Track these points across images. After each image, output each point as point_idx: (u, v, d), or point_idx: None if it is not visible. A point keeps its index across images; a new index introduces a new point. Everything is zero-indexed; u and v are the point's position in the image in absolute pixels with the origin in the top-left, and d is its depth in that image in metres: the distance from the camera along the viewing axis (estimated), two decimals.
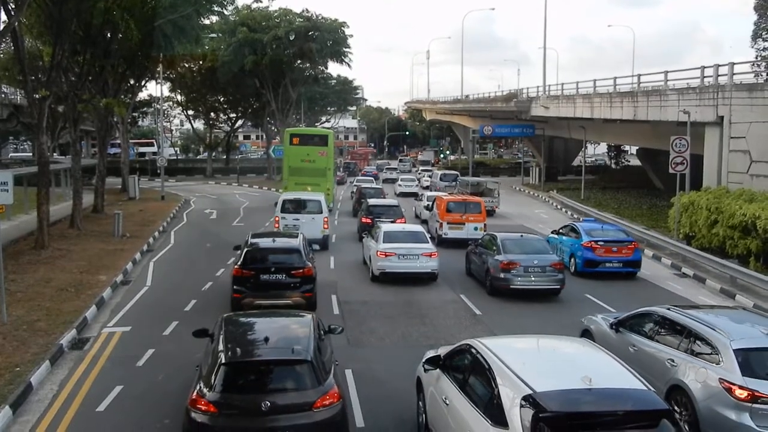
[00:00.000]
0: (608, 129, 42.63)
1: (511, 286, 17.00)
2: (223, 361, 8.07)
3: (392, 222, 24.08)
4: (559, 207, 42.14)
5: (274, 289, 14.42)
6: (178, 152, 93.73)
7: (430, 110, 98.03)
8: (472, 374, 7.41)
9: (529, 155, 66.95)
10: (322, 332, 9.32)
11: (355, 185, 44.03)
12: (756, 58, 42.33)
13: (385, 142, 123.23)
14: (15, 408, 9.75)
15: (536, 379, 6.45)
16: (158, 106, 58.04)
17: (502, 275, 17.07)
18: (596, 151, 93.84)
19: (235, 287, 14.60)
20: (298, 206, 24.63)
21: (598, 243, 20.12)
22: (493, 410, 6.52)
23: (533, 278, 17.08)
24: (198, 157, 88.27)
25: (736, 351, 8.55)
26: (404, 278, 18.51)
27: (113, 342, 13.07)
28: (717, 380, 8.46)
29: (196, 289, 17.59)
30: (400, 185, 48.72)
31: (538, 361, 7.43)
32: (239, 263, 14.90)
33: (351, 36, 59.03)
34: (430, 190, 40.19)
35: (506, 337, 9.84)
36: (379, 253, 18.53)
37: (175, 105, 74.98)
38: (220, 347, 8.39)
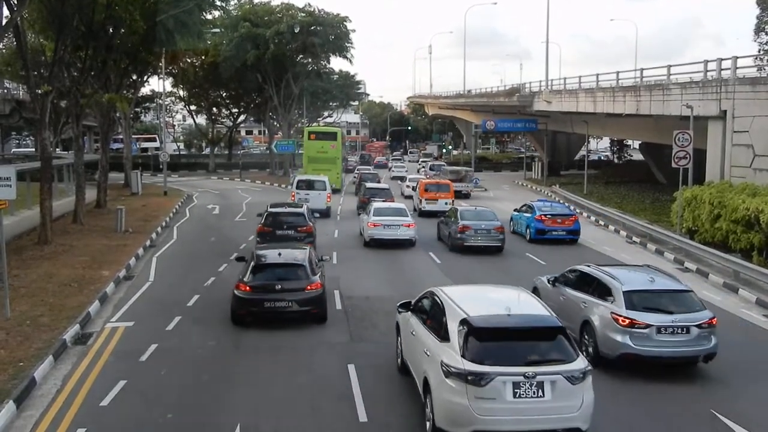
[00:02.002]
0: (611, 123, 42.54)
1: (465, 244, 22.70)
2: (254, 264, 14.22)
3: (385, 201, 28.92)
4: (561, 202, 41.99)
5: (286, 241, 19.40)
6: (180, 148, 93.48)
7: (432, 105, 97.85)
8: (431, 311, 10.00)
9: (532, 150, 66.97)
10: (314, 256, 15.32)
11: (357, 172, 53.62)
12: (759, 52, 42.13)
13: (388, 137, 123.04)
14: (19, 403, 9.78)
15: (472, 309, 8.99)
16: (160, 101, 57.99)
17: (459, 236, 22.81)
18: (599, 145, 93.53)
19: (258, 240, 20.86)
20: (308, 185, 32.60)
21: (546, 216, 25.52)
22: (442, 332, 9.08)
23: (480, 238, 22.76)
24: (202, 153, 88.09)
25: (624, 293, 11.65)
26: (390, 244, 23.39)
27: (116, 337, 13.09)
28: (610, 314, 11.58)
29: (198, 284, 17.60)
30: (392, 171, 60.01)
31: (477, 300, 9.96)
32: (262, 223, 21.71)
33: (353, 31, 58.94)
34: (425, 177, 46.96)
35: (459, 286, 12.77)
36: (369, 224, 23.68)
37: (177, 100, 74.93)
38: (253, 258, 14.54)
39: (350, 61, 60.31)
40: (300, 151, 65.27)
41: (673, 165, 25.11)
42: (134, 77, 46.28)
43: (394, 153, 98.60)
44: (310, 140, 46.08)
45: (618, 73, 35.62)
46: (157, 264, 20.63)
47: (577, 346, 9.06)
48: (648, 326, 11.24)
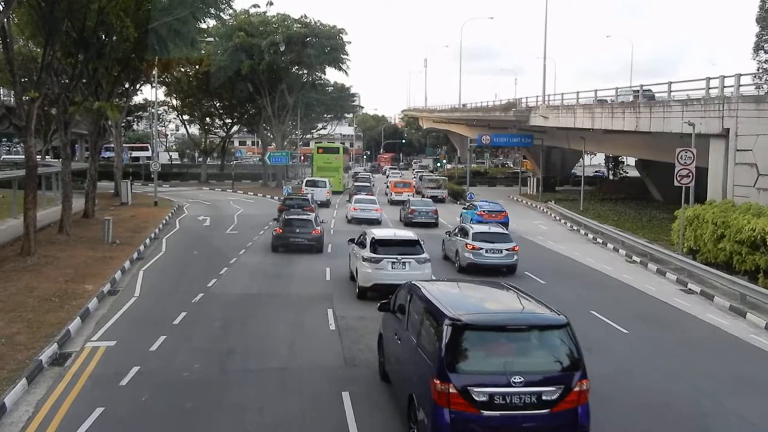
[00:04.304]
0: (608, 140, 42.13)
1: (413, 220, 34.67)
2: (284, 219, 26.01)
3: (366, 194, 42.47)
4: (557, 218, 41.52)
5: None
6: (172, 157, 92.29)
7: (427, 119, 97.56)
8: (362, 238, 18.84)
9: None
10: (318, 218, 28.69)
11: (356, 176, 68.36)
12: (758, 70, 41.94)
13: (381, 150, 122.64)
14: None
15: (379, 235, 18.51)
16: (153, 110, 57.29)
17: (409, 215, 35.35)
18: (592, 161, 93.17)
19: (278, 214, 30.94)
20: (314, 183, 46.53)
21: (485, 212, 34.03)
22: (364, 245, 18.12)
23: (422, 217, 35.12)
24: (195, 162, 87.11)
25: (473, 233, 22.09)
26: (364, 221, 34.20)
27: (96, 358, 12.30)
28: (465, 245, 21.79)
29: (186, 300, 16.85)
30: (389, 176, 71.04)
31: (384, 233, 19.46)
32: (282, 203, 35.11)
33: (349, 43, 58.56)
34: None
35: (379, 229, 24.01)
36: (351, 208, 36.76)
37: (170, 109, 74.15)
38: (282, 217, 26.71)
39: (346, 72, 60.02)
40: (292, 163, 66.14)
41: (676, 183, 24.56)
42: (126, 85, 45.61)
43: (399, 164, 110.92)
44: (318, 153, 59.43)
45: (617, 89, 35.28)
46: (143, 278, 19.85)
47: (424, 249, 18.31)
48: (481, 249, 21.65)
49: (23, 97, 22.29)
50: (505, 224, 32.19)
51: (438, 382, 7.97)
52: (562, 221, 40.15)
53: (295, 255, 24.77)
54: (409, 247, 18.02)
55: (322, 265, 22.68)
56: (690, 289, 20.91)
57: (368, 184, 52.05)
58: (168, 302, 16.75)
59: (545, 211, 45.85)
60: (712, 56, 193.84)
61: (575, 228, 36.84)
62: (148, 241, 26.82)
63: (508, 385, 7.95)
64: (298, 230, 25.02)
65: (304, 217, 26.56)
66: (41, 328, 13.55)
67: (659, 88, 31.42)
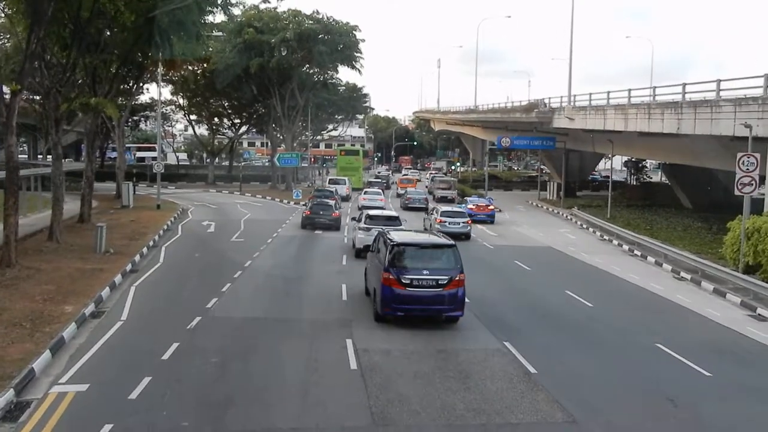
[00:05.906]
0: (639, 143, 39.41)
1: (409, 205, 45.31)
2: (312, 203, 35.38)
3: (375, 188, 50.99)
4: (584, 226, 38.93)
5: (324, 203, 35.49)
6: (179, 158, 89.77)
7: (439, 120, 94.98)
8: (360, 216, 27.19)
9: (540, 168, 64.49)
10: (338, 203, 39.40)
11: (377, 175, 76.99)
12: None
13: (392, 152, 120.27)
14: None
15: (370, 213, 27.47)
16: (157, 109, 54.99)
17: (407, 202, 46.44)
18: (607, 165, 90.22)
19: (308, 200, 39.08)
20: (336, 182, 52.92)
21: (474, 205, 40.26)
22: (360, 220, 26.67)
23: (416, 203, 45.23)
24: (203, 163, 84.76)
25: (440, 211, 32.79)
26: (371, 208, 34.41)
27: (61, 410, 9.76)
28: (435, 219, 31.94)
29: (180, 326, 14.33)
30: (404, 174, 79.92)
31: (374, 212, 28.26)
32: (312, 194, 43.51)
33: (363, 41, 56.09)
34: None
35: (374, 209, 30.88)
36: (361, 198, 44.76)
37: (177, 109, 71.89)
38: (311, 202, 36.46)
39: (359, 71, 57.56)
40: (302, 165, 64.12)
41: (736, 192, 21.89)
42: (130, 84, 43.37)
43: (417, 166, 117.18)
44: (341, 155, 67.24)
45: (654, 88, 32.54)
46: (134, 296, 17.36)
47: (402, 223, 26.32)
48: (445, 221, 30.83)
49: (2, 89, 19.92)
50: (491, 216, 40.11)
51: (384, 273, 14.75)
52: (590, 229, 37.56)
53: (309, 267, 22.76)
54: (392, 221, 25.70)
55: (337, 281, 20.18)
56: (760, 315, 18.17)
57: (380, 181, 63.29)
58: (159, 329, 14.29)
59: (569, 218, 43.31)
60: (718, 59, 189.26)
61: (606, 238, 34.23)
62: (145, 249, 24.42)
63: (421, 274, 14.73)
64: (321, 212, 32.85)
65: (327, 202, 34.86)
66: (0, 366, 11.14)
67: (706, 86, 28.65)
